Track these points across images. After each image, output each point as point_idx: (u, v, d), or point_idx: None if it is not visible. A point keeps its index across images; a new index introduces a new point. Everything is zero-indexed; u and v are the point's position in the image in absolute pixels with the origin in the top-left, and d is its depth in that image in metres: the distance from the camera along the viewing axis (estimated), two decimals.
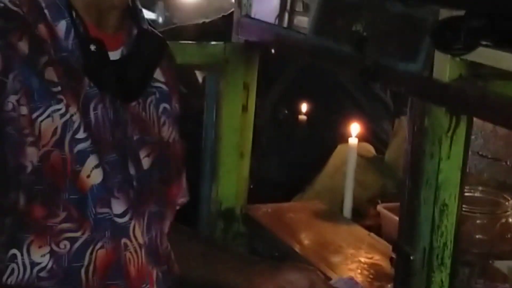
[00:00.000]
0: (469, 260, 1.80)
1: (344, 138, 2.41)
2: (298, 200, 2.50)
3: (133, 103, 1.25)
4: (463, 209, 1.87)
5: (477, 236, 1.88)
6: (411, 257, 1.45)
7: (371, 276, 1.89)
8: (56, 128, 1.12)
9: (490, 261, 1.79)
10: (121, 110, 1.22)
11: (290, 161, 2.83)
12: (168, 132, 1.32)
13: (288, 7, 2.40)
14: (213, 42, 2.20)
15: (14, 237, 1.12)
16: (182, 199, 1.41)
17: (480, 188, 1.97)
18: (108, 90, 1.19)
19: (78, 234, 1.16)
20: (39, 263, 1.14)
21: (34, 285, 1.14)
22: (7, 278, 1.13)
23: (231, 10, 2.38)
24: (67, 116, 1.13)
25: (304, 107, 2.76)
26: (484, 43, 1.29)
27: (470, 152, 1.51)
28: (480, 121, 1.86)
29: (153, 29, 1.31)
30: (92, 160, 1.16)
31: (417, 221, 1.45)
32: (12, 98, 1.08)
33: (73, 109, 1.14)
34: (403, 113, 2.53)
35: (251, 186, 2.34)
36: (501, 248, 1.87)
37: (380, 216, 2.16)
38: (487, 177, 2.30)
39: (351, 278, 1.73)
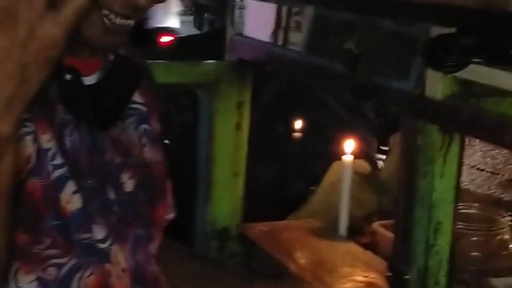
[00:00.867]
0: (465, 278, 1.79)
1: (338, 155, 2.40)
2: (294, 218, 2.48)
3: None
4: (459, 226, 1.87)
5: (473, 253, 1.87)
6: (406, 277, 1.44)
7: None
8: (29, 156, 1.10)
9: (487, 279, 1.78)
10: (99, 135, 1.21)
11: (284, 178, 2.82)
12: (150, 152, 1.31)
13: (283, 23, 2.40)
14: (205, 61, 2.20)
15: None
16: (169, 216, 1.39)
17: (475, 204, 1.96)
18: (83, 119, 1.18)
19: (64, 260, 1.14)
20: None
21: None
22: None
23: None
24: (41, 144, 1.11)
25: (298, 123, 2.75)
26: (475, 60, 1.28)
27: (468, 167, 1.51)
28: None
29: (131, 54, 1.29)
30: (70, 186, 1.14)
31: (412, 240, 1.44)
32: None
33: (47, 136, 1.12)
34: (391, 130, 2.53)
35: (246, 205, 2.33)
36: (498, 265, 1.86)
37: (376, 233, 2.15)
38: (484, 191, 2.30)
39: None
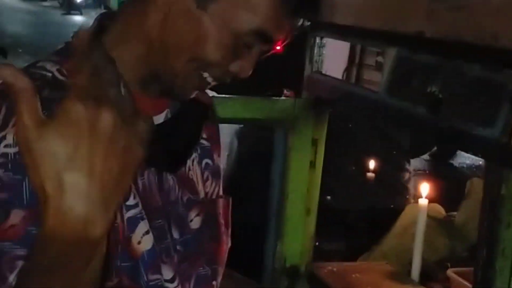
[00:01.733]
0: None
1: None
2: (364, 260, 2.45)
3: None
4: None
5: None
6: None
7: None
8: None
9: None
10: (166, 174, 1.21)
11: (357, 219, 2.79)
12: (212, 187, 1.30)
13: (356, 61, 2.39)
14: (283, 98, 2.20)
15: None
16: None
17: None
18: (154, 163, 1.18)
19: None
20: None
21: None
22: None
23: None
24: None
25: (371, 163, 2.72)
26: None
27: None
28: None
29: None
30: (142, 227, 1.13)
31: None
32: None
33: None
34: None
35: (317, 243, 2.31)
36: None
37: (450, 281, 2.10)
38: None
39: None
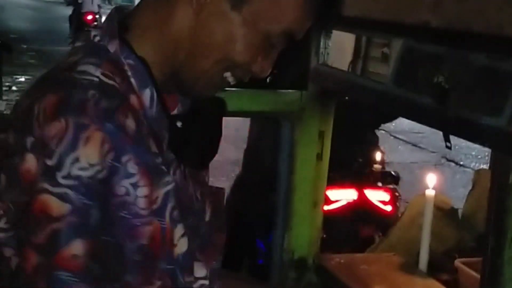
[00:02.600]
0: None
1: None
2: (372, 252, 2.45)
3: None
4: None
5: None
6: None
7: None
8: (157, 197, 1.08)
9: None
10: (185, 170, 1.21)
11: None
12: (206, 178, 1.31)
13: (362, 53, 2.38)
14: (289, 90, 2.20)
15: None
16: None
17: None
18: (188, 160, 1.18)
19: None
20: None
21: None
22: None
23: None
24: (170, 186, 1.10)
25: (378, 156, 2.72)
26: None
27: None
28: None
29: None
30: (179, 229, 1.13)
31: (500, 281, 1.40)
32: (126, 182, 1.03)
33: (171, 178, 1.11)
34: None
35: (324, 236, 2.31)
36: None
37: (458, 271, 2.10)
38: None
39: None
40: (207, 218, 1.25)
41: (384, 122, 3.96)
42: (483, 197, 2.12)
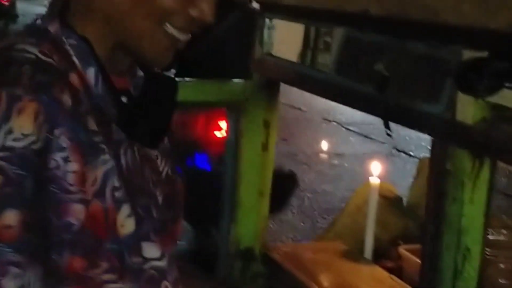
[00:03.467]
0: None
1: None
2: (319, 240, 2.47)
3: None
4: (487, 253, 1.84)
5: (501, 281, 1.84)
6: None
7: None
8: (95, 178, 1.08)
9: None
10: (139, 153, 1.20)
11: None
12: (162, 166, 1.30)
13: (311, 44, 2.39)
14: (234, 80, 2.19)
15: None
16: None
17: (504, 231, 1.94)
18: (138, 138, 1.17)
19: (119, 285, 1.12)
20: None
21: None
22: None
23: None
24: (109, 164, 1.10)
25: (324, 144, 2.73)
26: (508, 85, 1.26)
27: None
28: None
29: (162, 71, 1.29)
30: (125, 210, 1.12)
31: (439, 266, 1.42)
32: (58, 155, 1.03)
33: (110, 158, 1.11)
34: None
35: (271, 226, 2.32)
36: None
37: (402, 258, 2.13)
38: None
39: None
40: (160, 202, 1.24)
41: None
42: (426, 185, 2.15)
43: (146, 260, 1.16)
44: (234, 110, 2.22)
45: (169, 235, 1.26)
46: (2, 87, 1.02)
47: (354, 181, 3.56)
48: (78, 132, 1.06)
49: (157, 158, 1.27)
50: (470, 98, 1.34)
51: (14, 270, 1.00)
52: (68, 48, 1.12)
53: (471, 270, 1.40)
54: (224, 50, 2.81)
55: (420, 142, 8.15)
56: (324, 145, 7.48)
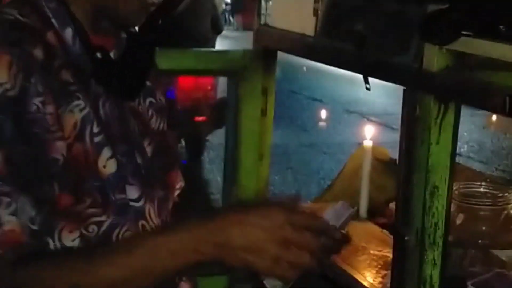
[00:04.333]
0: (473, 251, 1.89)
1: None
2: (317, 202, 2.59)
3: None
4: (468, 202, 1.97)
5: (481, 228, 1.96)
6: (406, 238, 1.55)
7: (378, 266, 1.99)
8: (76, 122, 1.23)
9: (491, 251, 1.87)
10: (124, 106, 1.35)
11: None
12: (157, 123, 1.44)
13: (303, 12, 2.51)
14: (233, 49, 2.33)
15: (46, 225, 1.21)
16: (180, 183, 1.51)
17: (484, 184, 2.06)
18: (113, 91, 1.32)
19: (103, 218, 1.25)
20: (70, 248, 1.23)
21: None
22: None
23: None
24: (85, 111, 1.25)
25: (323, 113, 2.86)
26: (465, 33, 1.39)
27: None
28: None
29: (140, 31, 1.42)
30: (106, 152, 1.26)
31: (411, 203, 1.54)
32: (36, 100, 1.17)
33: (88, 107, 1.26)
34: None
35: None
36: (505, 239, 1.95)
37: (393, 213, 2.24)
38: None
39: (342, 203, 1.82)
40: (148, 154, 1.38)
41: None
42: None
43: (129, 199, 1.31)
44: (234, 78, 2.35)
45: (159, 181, 1.40)
46: None
47: None
48: (50, 80, 1.20)
49: (149, 112, 1.42)
50: (435, 48, 1.47)
51: (5, 199, 1.14)
52: (47, 10, 1.27)
53: (439, 206, 1.52)
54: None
55: None
56: (345, 135, 7.57)
